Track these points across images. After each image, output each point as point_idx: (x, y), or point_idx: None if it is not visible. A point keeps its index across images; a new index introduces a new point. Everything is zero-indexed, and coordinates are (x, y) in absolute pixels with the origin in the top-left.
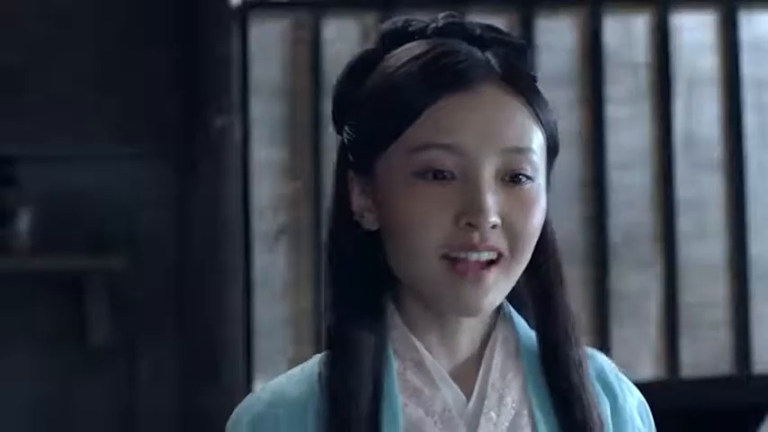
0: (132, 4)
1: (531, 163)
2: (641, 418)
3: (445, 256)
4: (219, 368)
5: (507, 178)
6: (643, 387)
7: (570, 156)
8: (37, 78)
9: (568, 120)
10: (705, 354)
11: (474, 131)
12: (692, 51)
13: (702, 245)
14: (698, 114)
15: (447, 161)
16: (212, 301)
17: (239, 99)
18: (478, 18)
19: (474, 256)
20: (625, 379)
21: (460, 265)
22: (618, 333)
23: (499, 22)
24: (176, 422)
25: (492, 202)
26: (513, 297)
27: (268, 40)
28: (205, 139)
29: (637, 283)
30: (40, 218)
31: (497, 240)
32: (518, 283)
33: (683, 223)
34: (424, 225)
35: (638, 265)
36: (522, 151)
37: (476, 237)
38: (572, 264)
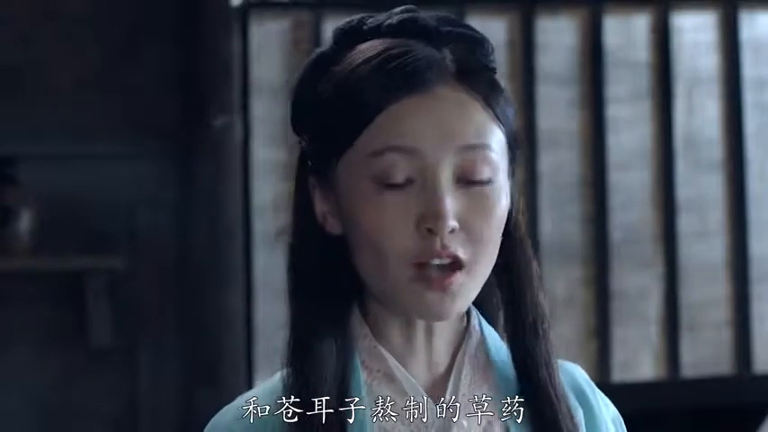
0: (133, 4)
1: (489, 161)
2: (616, 429)
3: (410, 264)
4: (220, 368)
5: (466, 178)
6: (643, 387)
7: (570, 156)
8: (37, 78)
9: (568, 120)
10: (706, 354)
11: (429, 133)
12: (693, 51)
13: (703, 245)
14: (698, 114)
15: (404, 165)
16: (213, 301)
17: (239, 99)
18: (479, 18)
19: (435, 262)
20: (599, 391)
21: (425, 272)
22: (618, 333)
23: (499, 22)
24: (177, 422)
25: (450, 206)
26: (484, 301)
27: (268, 40)
28: (205, 139)
29: (637, 283)
30: (40, 218)
31: (458, 246)
32: (490, 284)
33: (684, 223)
34: (387, 234)
35: (638, 264)
36: (480, 148)
37: (437, 243)
38: (572, 264)
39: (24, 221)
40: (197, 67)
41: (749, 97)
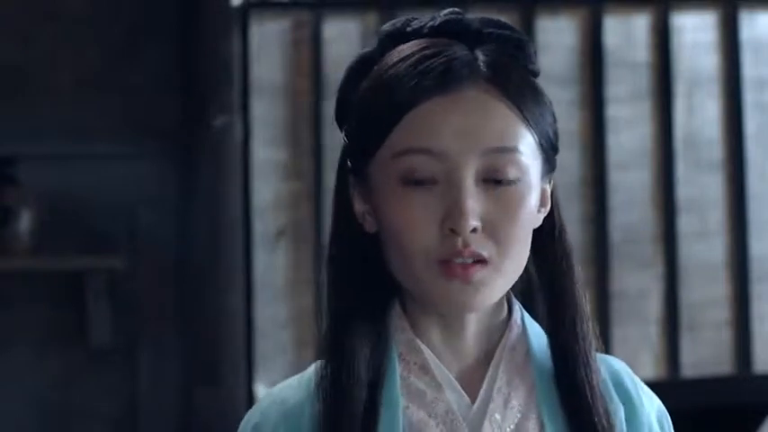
0: (133, 4)
1: (516, 163)
2: (660, 425)
3: (435, 261)
4: (220, 368)
5: (491, 180)
6: None
7: (570, 156)
8: (37, 78)
9: (568, 120)
10: (706, 354)
11: (454, 134)
12: (693, 51)
13: (703, 245)
14: (698, 114)
15: (429, 165)
16: (213, 301)
17: (239, 99)
18: None
19: (459, 260)
20: (643, 385)
21: (448, 269)
22: (618, 333)
23: None
24: (177, 422)
25: (473, 206)
26: (528, 298)
27: (268, 40)
28: (205, 139)
29: (637, 283)
30: (40, 218)
31: (481, 245)
32: (531, 279)
33: (684, 223)
34: (412, 232)
35: (638, 265)
36: (506, 151)
37: (459, 242)
38: None
39: (24, 221)
40: (197, 67)
41: (749, 97)
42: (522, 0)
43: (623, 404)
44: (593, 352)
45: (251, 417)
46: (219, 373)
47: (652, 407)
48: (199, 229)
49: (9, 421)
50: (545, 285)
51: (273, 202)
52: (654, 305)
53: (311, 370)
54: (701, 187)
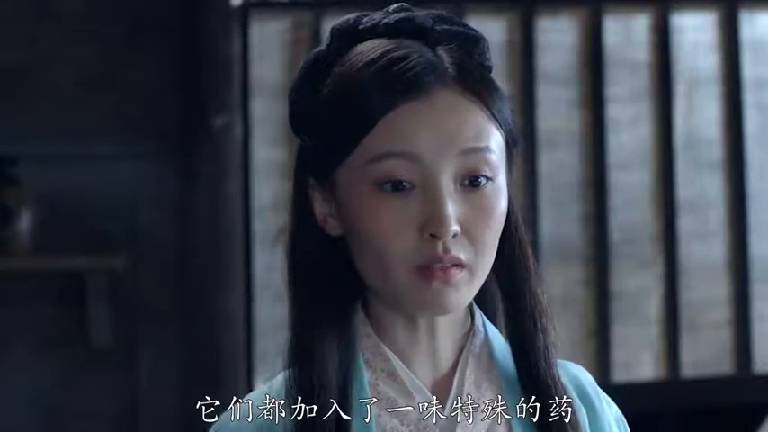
0: (133, 4)
1: (489, 163)
2: (618, 428)
3: (414, 266)
4: (220, 369)
5: (467, 182)
6: (643, 387)
7: (570, 156)
8: (38, 78)
9: (568, 120)
10: (706, 353)
11: (429, 138)
12: (693, 51)
13: (703, 245)
14: (698, 114)
15: (405, 170)
16: (213, 301)
17: (239, 99)
18: (479, 19)
19: (438, 266)
20: (602, 392)
21: (429, 273)
22: (618, 333)
23: (499, 22)
24: (177, 422)
25: (452, 210)
26: (485, 298)
27: (268, 40)
28: (205, 139)
29: (637, 283)
30: (40, 218)
31: (460, 250)
32: (489, 280)
33: (684, 223)
34: (390, 239)
35: (638, 264)
36: (480, 151)
37: (439, 247)
38: (572, 264)
39: (24, 221)
40: (197, 67)
41: (749, 97)
42: (522, 0)
43: (585, 409)
44: (552, 346)
45: (221, 428)
46: (219, 374)
47: (611, 411)
48: (199, 228)
49: (9, 421)
50: (503, 281)
51: (273, 202)
52: (654, 305)
53: (279, 379)
54: (701, 187)
